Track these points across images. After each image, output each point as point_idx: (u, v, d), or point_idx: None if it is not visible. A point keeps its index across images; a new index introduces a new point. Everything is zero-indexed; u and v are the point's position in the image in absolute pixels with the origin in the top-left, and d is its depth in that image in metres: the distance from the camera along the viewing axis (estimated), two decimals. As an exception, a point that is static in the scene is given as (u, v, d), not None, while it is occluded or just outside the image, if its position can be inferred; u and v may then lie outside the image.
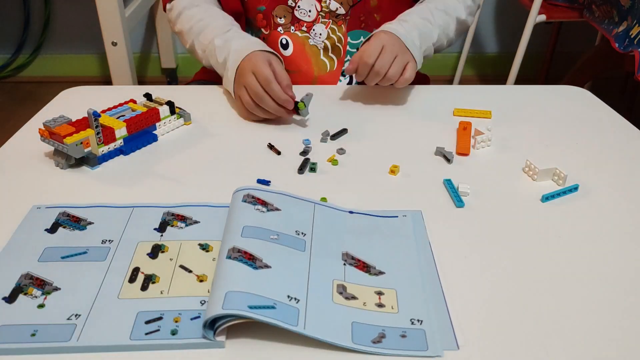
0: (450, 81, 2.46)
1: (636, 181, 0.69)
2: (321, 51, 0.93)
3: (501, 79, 2.09)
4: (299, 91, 0.80)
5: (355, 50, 0.93)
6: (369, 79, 0.81)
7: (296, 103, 0.79)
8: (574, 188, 0.66)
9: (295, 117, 0.81)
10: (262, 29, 0.93)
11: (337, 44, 0.93)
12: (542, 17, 1.79)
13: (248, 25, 0.95)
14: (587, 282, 0.53)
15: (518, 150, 0.75)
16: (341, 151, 0.74)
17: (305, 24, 0.91)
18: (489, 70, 2.54)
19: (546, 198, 0.65)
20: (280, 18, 0.91)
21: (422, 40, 0.86)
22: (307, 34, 0.92)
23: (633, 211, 0.64)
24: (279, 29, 0.92)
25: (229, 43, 0.84)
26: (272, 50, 0.83)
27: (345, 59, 0.94)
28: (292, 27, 0.92)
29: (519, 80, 1.74)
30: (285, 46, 0.92)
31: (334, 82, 0.96)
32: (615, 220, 0.62)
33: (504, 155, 0.74)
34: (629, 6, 1.51)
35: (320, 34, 0.92)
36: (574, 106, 0.89)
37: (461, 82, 2.38)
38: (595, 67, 1.92)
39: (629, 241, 0.59)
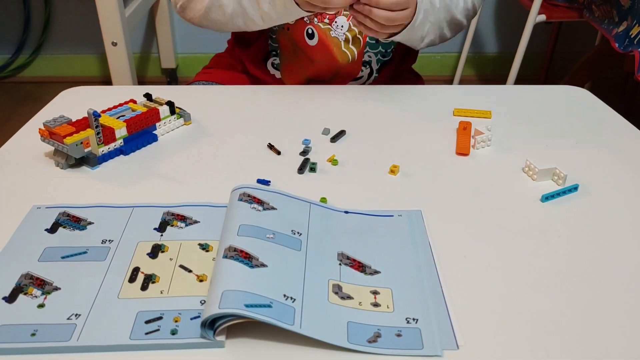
0: (450, 81, 2.46)
1: (636, 181, 0.69)
2: (342, 43, 0.94)
3: (501, 79, 2.09)
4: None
5: (374, 42, 0.95)
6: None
7: None
8: (574, 188, 0.66)
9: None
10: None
11: (357, 35, 0.94)
12: (542, 17, 1.79)
13: None
14: (587, 281, 0.53)
15: (518, 150, 0.75)
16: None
17: (327, 16, 0.92)
18: (489, 70, 2.55)
19: (546, 198, 0.65)
20: None
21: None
22: (329, 26, 0.93)
23: (633, 211, 0.64)
24: (305, 19, 0.92)
25: None
26: None
27: (365, 50, 0.95)
28: (315, 19, 0.92)
29: (519, 80, 1.74)
30: (310, 36, 0.93)
31: (356, 72, 0.97)
32: (615, 220, 0.62)
33: (504, 155, 0.74)
34: (629, 6, 1.51)
35: (342, 26, 0.93)
36: (574, 106, 0.89)
37: (461, 82, 2.38)
38: (595, 67, 1.93)
39: (629, 241, 0.59)
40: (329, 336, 0.46)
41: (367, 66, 0.97)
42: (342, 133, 0.78)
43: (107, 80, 2.03)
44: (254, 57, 0.99)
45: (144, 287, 0.51)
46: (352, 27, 0.93)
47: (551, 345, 0.46)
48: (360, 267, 0.54)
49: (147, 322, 0.47)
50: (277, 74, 0.99)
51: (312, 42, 0.93)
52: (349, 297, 0.50)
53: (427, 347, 0.46)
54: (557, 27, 2.32)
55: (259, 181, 0.67)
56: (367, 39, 0.94)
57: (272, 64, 0.99)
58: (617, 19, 1.57)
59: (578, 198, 0.66)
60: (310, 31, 0.93)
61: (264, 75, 1.00)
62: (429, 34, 0.91)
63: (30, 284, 0.51)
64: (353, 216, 0.61)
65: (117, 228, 0.59)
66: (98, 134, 0.70)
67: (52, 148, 0.70)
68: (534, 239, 0.59)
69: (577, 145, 0.77)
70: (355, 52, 0.95)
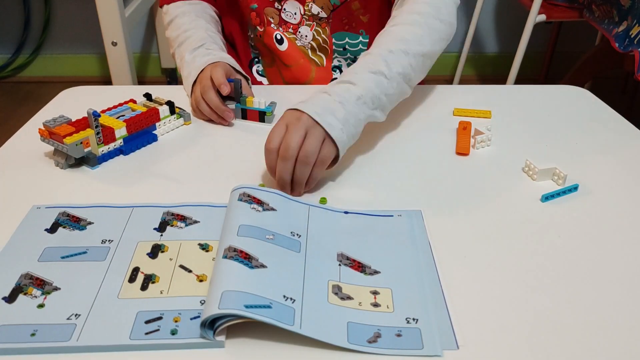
0: (450, 81, 2.46)
1: (636, 181, 0.69)
2: (309, 51, 0.94)
3: (501, 79, 2.09)
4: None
5: (341, 49, 0.94)
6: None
7: (263, 112, 0.80)
8: (574, 188, 0.66)
9: (261, 124, 0.81)
10: (257, 27, 0.93)
11: (322, 44, 0.94)
12: (542, 17, 1.79)
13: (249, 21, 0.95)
14: (587, 281, 0.53)
15: (518, 150, 0.75)
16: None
17: (291, 26, 0.92)
18: (489, 70, 2.55)
19: (546, 198, 0.65)
20: (270, 18, 0.92)
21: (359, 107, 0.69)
22: (294, 35, 0.93)
23: (633, 211, 0.64)
24: (272, 25, 0.93)
25: (195, 59, 0.86)
26: (229, 62, 0.85)
27: (334, 56, 0.95)
28: (281, 28, 0.92)
29: (519, 80, 1.74)
30: (280, 41, 0.93)
31: (328, 78, 0.96)
32: (615, 220, 0.62)
33: (504, 155, 0.74)
34: (629, 6, 1.51)
35: (306, 36, 0.93)
36: (574, 106, 0.89)
37: (461, 82, 2.38)
38: (595, 67, 1.92)
39: (629, 241, 0.59)
40: (328, 336, 0.46)
41: (337, 70, 0.96)
42: None
43: (107, 80, 2.03)
44: (240, 64, 0.98)
45: (143, 287, 0.51)
46: (316, 37, 0.93)
47: (551, 345, 0.46)
48: (360, 267, 0.54)
49: (147, 322, 0.47)
50: (265, 81, 0.99)
51: (283, 48, 0.94)
52: (349, 298, 0.50)
53: (427, 347, 0.46)
54: (557, 27, 2.32)
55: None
56: (334, 47, 0.94)
57: (257, 71, 0.99)
58: (617, 18, 1.57)
59: (578, 198, 0.66)
60: (279, 37, 0.93)
61: (253, 81, 1.00)
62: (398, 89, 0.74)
63: (30, 284, 0.51)
64: (353, 216, 0.61)
65: (117, 228, 0.59)
66: (98, 133, 0.70)
67: (52, 148, 0.70)
68: (534, 239, 0.59)
69: (577, 145, 0.77)
70: (324, 59, 0.95)
